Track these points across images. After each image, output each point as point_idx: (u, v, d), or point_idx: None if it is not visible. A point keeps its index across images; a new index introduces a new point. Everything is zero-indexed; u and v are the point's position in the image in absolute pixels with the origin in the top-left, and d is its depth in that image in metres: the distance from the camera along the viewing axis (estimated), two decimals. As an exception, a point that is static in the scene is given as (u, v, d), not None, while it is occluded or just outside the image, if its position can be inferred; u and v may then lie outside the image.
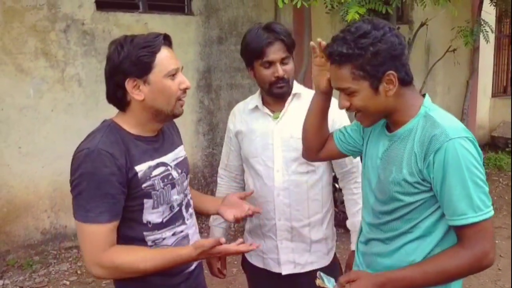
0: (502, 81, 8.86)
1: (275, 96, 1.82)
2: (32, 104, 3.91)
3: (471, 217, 1.23)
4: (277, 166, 1.83)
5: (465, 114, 7.07)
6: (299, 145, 1.76)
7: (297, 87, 1.88)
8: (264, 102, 1.89)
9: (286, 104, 1.84)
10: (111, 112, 1.50)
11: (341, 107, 1.38)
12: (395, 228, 1.38)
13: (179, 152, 1.60)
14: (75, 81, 4.09)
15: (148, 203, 1.42)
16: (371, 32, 1.27)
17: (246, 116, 1.93)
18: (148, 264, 1.35)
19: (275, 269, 1.91)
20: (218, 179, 2.10)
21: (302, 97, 1.85)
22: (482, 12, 6.42)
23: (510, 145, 7.52)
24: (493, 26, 6.43)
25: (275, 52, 1.74)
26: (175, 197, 1.50)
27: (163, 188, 1.45)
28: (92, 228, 1.32)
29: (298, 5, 3.29)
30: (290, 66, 1.78)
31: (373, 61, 1.26)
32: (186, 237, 1.54)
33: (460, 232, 1.27)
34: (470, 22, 6.14)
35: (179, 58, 1.46)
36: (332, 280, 1.39)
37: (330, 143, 1.64)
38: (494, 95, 8.51)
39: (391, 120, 1.39)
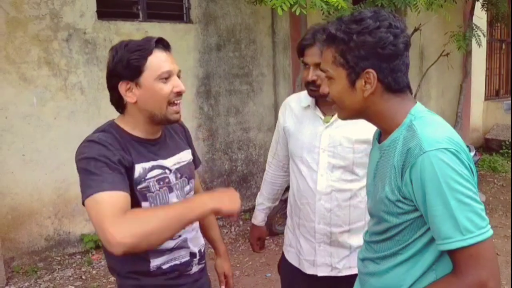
0: (495, 84, 9.01)
1: (310, 96, 1.83)
2: (35, 112, 3.97)
3: (458, 241, 1.06)
4: (321, 171, 1.80)
5: (459, 117, 7.18)
6: (347, 154, 1.76)
7: None
8: (317, 103, 1.86)
9: None
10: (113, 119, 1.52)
11: (321, 91, 1.33)
12: (386, 248, 1.27)
13: (183, 157, 1.59)
14: (77, 89, 4.15)
15: (145, 206, 1.42)
16: (366, 20, 1.15)
17: (297, 113, 1.91)
18: (163, 213, 1.26)
19: (309, 270, 1.90)
20: (266, 166, 2.16)
21: None
22: (474, 17, 6.56)
23: (504, 148, 7.64)
24: (485, 30, 6.56)
25: (310, 55, 1.74)
26: (174, 200, 1.49)
27: (159, 190, 1.45)
28: (107, 194, 1.26)
29: (297, 13, 3.36)
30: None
31: (355, 51, 1.15)
32: (185, 241, 1.54)
33: (451, 258, 1.11)
34: (462, 27, 6.28)
35: (179, 65, 1.47)
36: None
37: None
38: (487, 98, 8.64)
39: (378, 127, 1.30)
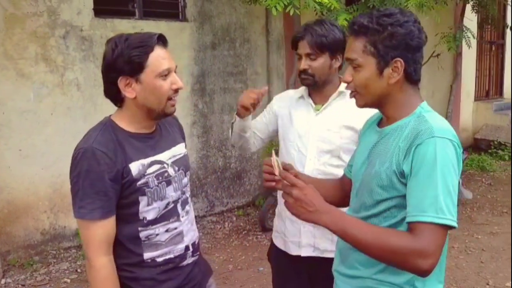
0: (484, 85, 9.15)
1: (302, 84, 2.00)
2: (32, 108, 4.02)
3: (430, 216, 1.18)
4: (310, 155, 1.95)
5: (449, 117, 7.30)
6: (335, 139, 1.92)
7: (344, 85, 1.91)
8: (310, 94, 2.03)
9: (330, 99, 1.97)
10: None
11: (344, 80, 1.40)
12: (374, 224, 1.34)
13: (178, 150, 1.63)
14: (74, 86, 4.21)
15: (143, 200, 1.47)
16: (396, 15, 1.29)
17: (293, 103, 2.07)
18: None
19: (294, 251, 2.01)
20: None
21: (346, 97, 1.88)
22: (464, 19, 6.69)
23: (492, 147, 7.78)
24: (475, 32, 6.68)
25: (302, 46, 1.92)
26: (172, 194, 1.53)
27: (157, 186, 1.49)
28: (85, 224, 1.41)
29: (291, 13, 3.45)
30: (316, 63, 1.91)
31: (387, 41, 1.28)
32: (180, 234, 1.57)
33: (413, 226, 1.21)
34: (452, 28, 6.39)
35: (174, 63, 1.50)
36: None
37: (346, 181, 1.60)
38: (476, 98, 8.78)
39: (385, 113, 1.39)
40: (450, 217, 1.19)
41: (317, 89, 1.98)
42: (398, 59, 1.29)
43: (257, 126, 2.18)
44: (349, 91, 1.86)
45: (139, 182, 1.45)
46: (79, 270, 3.94)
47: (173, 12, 4.87)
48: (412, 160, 1.23)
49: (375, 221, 1.35)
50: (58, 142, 4.15)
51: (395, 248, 1.20)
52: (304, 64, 1.92)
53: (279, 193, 2.09)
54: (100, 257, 1.42)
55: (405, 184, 1.26)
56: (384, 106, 1.37)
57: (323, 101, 1.99)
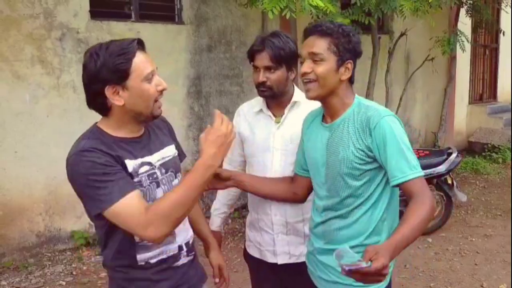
0: (478, 88, 9.21)
1: (261, 96, 2.01)
2: (28, 110, 4.01)
3: (410, 174, 1.51)
4: (275, 167, 1.98)
5: (443, 120, 7.36)
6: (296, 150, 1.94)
7: (298, 95, 2.01)
8: (268, 106, 2.04)
9: (286, 110, 1.99)
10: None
11: (302, 71, 1.62)
12: (348, 204, 1.64)
13: (167, 152, 1.64)
14: (70, 88, 4.21)
15: None
16: (348, 27, 1.65)
17: (251, 119, 2.08)
18: (181, 191, 1.41)
19: (271, 259, 2.06)
20: None
21: (300, 106, 1.98)
22: (458, 23, 6.74)
23: (486, 150, 7.84)
24: (469, 36, 6.73)
25: (260, 59, 1.92)
26: (161, 195, 1.54)
27: (149, 185, 1.51)
28: (122, 203, 1.36)
29: (287, 16, 3.47)
30: (274, 75, 1.91)
31: (346, 45, 1.61)
32: (172, 234, 1.57)
33: (407, 190, 1.51)
34: (447, 32, 6.44)
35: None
36: (356, 256, 1.31)
37: (300, 180, 1.86)
38: (471, 102, 8.83)
39: (331, 106, 1.67)
40: (420, 170, 1.54)
41: (275, 100, 2.00)
42: (350, 61, 1.63)
43: (235, 160, 2.16)
44: (303, 100, 1.96)
45: (134, 180, 1.47)
46: (74, 273, 3.93)
47: (170, 15, 4.88)
48: (375, 139, 1.55)
49: (350, 201, 1.63)
50: (54, 144, 4.14)
51: (427, 216, 1.47)
52: (262, 76, 1.91)
53: (250, 205, 2.13)
54: (146, 224, 1.37)
55: (373, 158, 1.57)
56: (331, 99, 1.65)
57: (280, 113, 2.01)
